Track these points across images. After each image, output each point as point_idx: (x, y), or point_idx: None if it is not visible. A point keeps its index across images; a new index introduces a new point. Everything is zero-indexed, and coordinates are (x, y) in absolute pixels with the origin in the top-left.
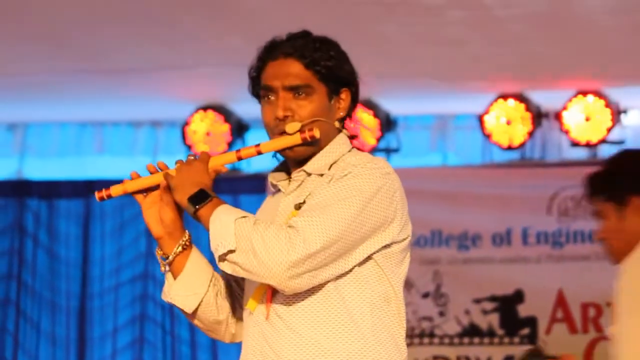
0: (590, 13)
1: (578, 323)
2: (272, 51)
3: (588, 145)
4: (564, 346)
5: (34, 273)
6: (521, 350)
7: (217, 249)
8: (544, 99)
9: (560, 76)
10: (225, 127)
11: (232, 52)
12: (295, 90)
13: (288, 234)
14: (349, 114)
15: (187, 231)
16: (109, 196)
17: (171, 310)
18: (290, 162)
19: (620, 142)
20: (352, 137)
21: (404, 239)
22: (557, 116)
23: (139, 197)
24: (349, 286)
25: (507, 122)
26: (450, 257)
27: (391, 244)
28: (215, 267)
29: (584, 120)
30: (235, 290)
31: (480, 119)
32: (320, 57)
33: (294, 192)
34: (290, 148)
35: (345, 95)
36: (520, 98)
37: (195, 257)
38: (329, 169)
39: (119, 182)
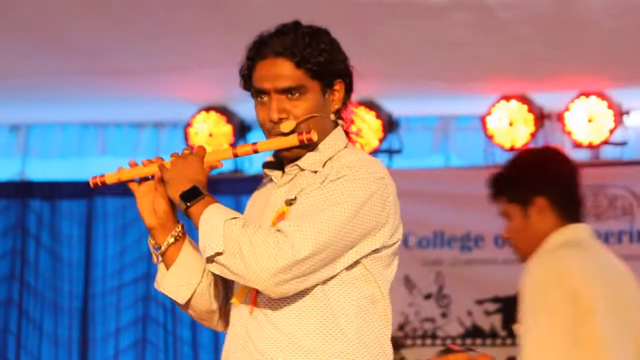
0: (593, 14)
1: None
2: (261, 50)
3: (590, 146)
4: None
5: (36, 274)
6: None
7: (205, 250)
8: (547, 100)
9: (562, 77)
10: (228, 128)
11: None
12: (287, 91)
13: (276, 239)
14: (344, 104)
15: (180, 222)
16: (103, 183)
17: (173, 311)
18: (287, 158)
19: (623, 144)
20: (348, 129)
21: (395, 243)
22: (560, 117)
23: (133, 186)
24: (335, 287)
25: (510, 124)
26: (452, 258)
27: (381, 248)
28: None
29: (586, 122)
30: (229, 280)
31: (482, 120)
32: (310, 53)
33: (286, 185)
34: (287, 149)
35: (339, 87)
36: (523, 99)
37: (188, 247)
38: (323, 166)
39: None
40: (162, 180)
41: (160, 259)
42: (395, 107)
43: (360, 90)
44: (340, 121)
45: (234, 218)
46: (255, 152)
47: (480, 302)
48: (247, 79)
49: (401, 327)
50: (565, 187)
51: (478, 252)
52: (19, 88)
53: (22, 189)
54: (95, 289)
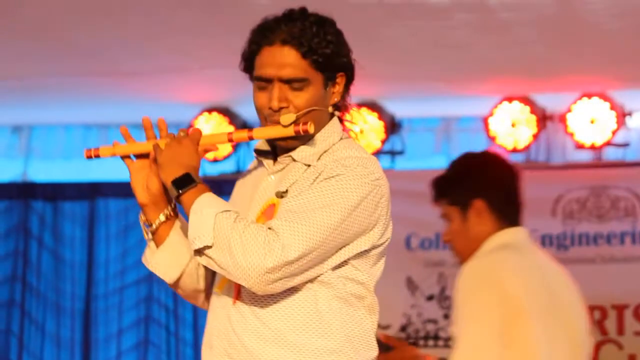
0: (595, 15)
1: None
2: (269, 35)
3: (593, 147)
4: None
5: (38, 275)
6: None
7: (194, 241)
8: (549, 101)
9: (565, 78)
10: (230, 129)
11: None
12: (291, 81)
13: (267, 238)
14: (343, 97)
15: (173, 201)
16: (97, 156)
17: (175, 312)
18: (281, 147)
19: (625, 145)
20: (343, 116)
21: (384, 242)
22: (562, 119)
23: (128, 161)
24: (322, 284)
25: (512, 125)
26: (455, 259)
27: (370, 248)
28: None
29: (589, 123)
30: None
31: (484, 121)
32: (318, 44)
33: (278, 173)
34: (282, 139)
35: (340, 80)
36: (525, 100)
37: (180, 227)
38: (318, 159)
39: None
40: (156, 160)
41: (150, 236)
42: (398, 109)
43: (363, 92)
44: (336, 112)
45: (226, 211)
46: (250, 139)
47: None
48: (249, 62)
49: (403, 329)
50: (503, 191)
51: None
52: (21, 89)
53: (25, 190)
54: (97, 290)
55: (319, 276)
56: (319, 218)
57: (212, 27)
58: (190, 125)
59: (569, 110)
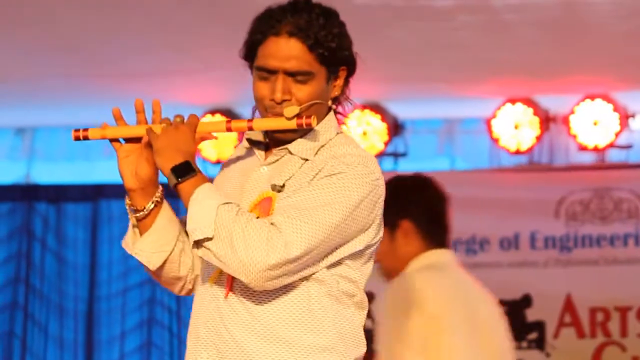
0: (598, 17)
1: (586, 328)
2: (275, 25)
3: (596, 149)
4: (572, 351)
5: (42, 277)
6: (529, 354)
7: (194, 232)
8: (552, 103)
9: (568, 80)
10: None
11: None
12: (295, 74)
13: (270, 234)
14: (343, 91)
15: (160, 186)
16: (86, 138)
17: (178, 313)
18: (277, 138)
19: (629, 147)
20: (337, 108)
21: (377, 242)
22: (565, 120)
23: (116, 145)
24: (316, 281)
25: (515, 127)
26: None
27: (365, 247)
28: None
29: (592, 125)
30: None
31: (487, 123)
32: (324, 37)
33: (271, 165)
34: (282, 131)
35: (342, 74)
36: (529, 102)
37: (165, 213)
38: (315, 154)
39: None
40: (149, 145)
41: (135, 221)
42: (401, 110)
43: (366, 93)
44: (332, 105)
45: (227, 203)
46: (250, 129)
47: None
48: (251, 50)
49: None
50: (431, 213)
51: (483, 256)
52: (24, 91)
53: (28, 192)
54: (100, 291)
55: (313, 274)
56: (321, 216)
57: (216, 28)
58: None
59: (572, 112)
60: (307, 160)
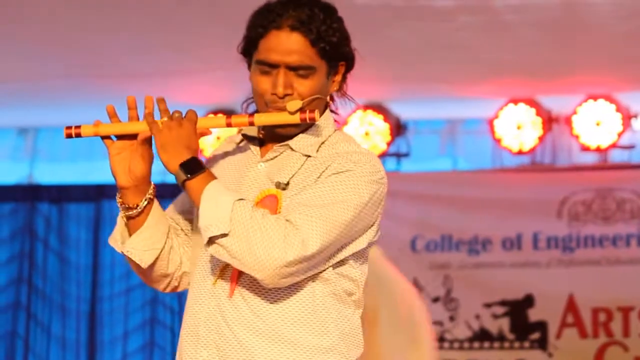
0: (601, 18)
1: (588, 328)
2: (277, 19)
3: (599, 150)
4: (574, 351)
5: (44, 277)
6: (532, 354)
7: (209, 228)
8: (555, 103)
9: (570, 80)
10: (235, 130)
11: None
12: (297, 69)
13: (286, 231)
14: (341, 86)
15: (152, 183)
16: (78, 135)
17: (181, 314)
18: (275, 134)
19: (631, 147)
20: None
21: (376, 241)
22: (568, 121)
23: (108, 142)
24: (321, 281)
25: (518, 127)
26: (460, 261)
27: (367, 246)
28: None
29: (594, 125)
30: (185, 243)
31: (490, 123)
32: (325, 32)
33: (269, 162)
34: (283, 126)
35: (341, 69)
36: (531, 102)
37: (156, 210)
38: (317, 150)
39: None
40: (146, 141)
41: (125, 219)
42: (403, 111)
43: (369, 94)
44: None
45: (241, 199)
46: (251, 124)
47: (488, 305)
48: (251, 44)
49: None
50: None
51: (486, 256)
52: (27, 91)
53: (30, 193)
54: (103, 292)
55: (319, 272)
56: (334, 213)
57: (216, 28)
58: None
59: (575, 113)
60: (309, 156)
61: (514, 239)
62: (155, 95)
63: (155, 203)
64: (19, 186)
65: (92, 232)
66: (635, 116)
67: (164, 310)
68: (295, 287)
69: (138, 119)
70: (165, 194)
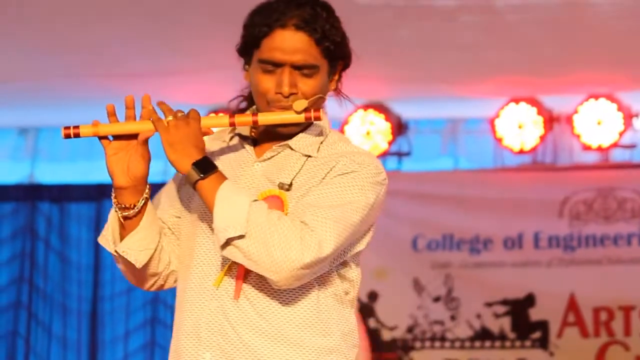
0: (602, 17)
1: (590, 327)
2: (281, 18)
3: (600, 149)
4: (576, 350)
5: (45, 276)
6: (533, 353)
7: (226, 231)
8: (556, 102)
9: (572, 80)
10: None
11: None
12: (302, 68)
13: (303, 233)
14: (337, 85)
15: (148, 183)
16: (77, 135)
17: None
18: (271, 133)
19: (632, 146)
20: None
21: (369, 241)
22: (569, 120)
23: (104, 141)
24: (325, 282)
25: (519, 126)
26: (461, 261)
27: (365, 247)
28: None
29: (595, 124)
30: (173, 241)
31: (491, 123)
32: (329, 31)
33: (267, 161)
34: (287, 125)
35: (339, 68)
36: (532, 102)
37: (151, 211)
38: (317, 150)
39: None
40: (145, 141)
41: (121, 219)
42: (405, 110)
43: (370, 93)
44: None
45: (256, 200)
46: (255, 123)
47: (489, 304)
48: (254, 43)
49: (410, 330)
50: None
51: (487, 255)
52: (28, 91)
53: (32, 192)
54: (104, 291)
55: (323, 274)
56: (346, 215)
57: (219, 27)
58: None
59: (576, 112)
60: (309, 156)
61: (515, 238)
62: (156, 94)
63: (149, 203)
64: (20, 186)
65: (93, 231)
66: (637, 115)
67: (165, 309)
68: (299, 289)
69: (135, 119)
70: None
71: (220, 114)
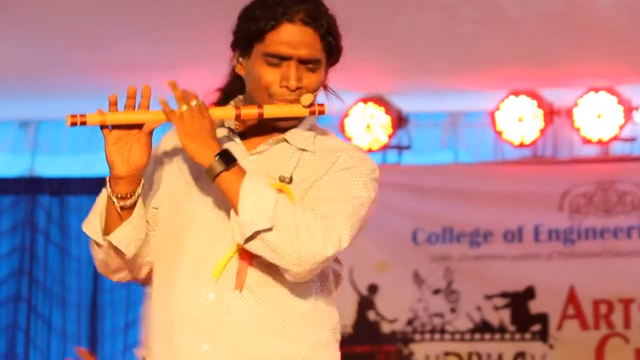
0: (603, 10)
1: (589, 319)
2: (288, 12)
3: (600, 142)
4: (575, 342)
5: (45, 269)
6: (532, 346)
7: (254, 223)
8: (556, 96)
9: (572, 73)
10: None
11: None
12: (307, 62)
13: (325, 227)
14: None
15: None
16: (83, 124)
17: None
18: (261, 127)
19: (632, 139)
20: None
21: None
22: (569, 113)
23: (105, 130)
24: (321, 274)
25: (519, 119)
26: (461, 253)
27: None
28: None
29: (595, 117)
30: (151, 233)
31: (491, 116)
32: (331, 25)
33: (260, 154)
34: (288, 118)
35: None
36: (532, 95)
37: (140, 201)
38: (312, 144)
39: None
40: (151, 133)
41: (119, 209)
42: (405, 103)
43: (370, 86)
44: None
45: (280, 192)
46: (260, 116)
47: (489, 297)
48: (256, 36)
49: (410, 322)
50: None
51: (487, 248)
52: (28, 84)
53: (32, 185)
54: (103, 284)
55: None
56: (356, 210)
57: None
58: None
59: (576, 105)
60: (305, 150)
61: (515, 231)
62: (158, 87)
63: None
64: (20, 179)
65: None
66: (637, 108)
67: None
68: (301, 283)
69: (134, 108)
70: None
71: (228, 105)
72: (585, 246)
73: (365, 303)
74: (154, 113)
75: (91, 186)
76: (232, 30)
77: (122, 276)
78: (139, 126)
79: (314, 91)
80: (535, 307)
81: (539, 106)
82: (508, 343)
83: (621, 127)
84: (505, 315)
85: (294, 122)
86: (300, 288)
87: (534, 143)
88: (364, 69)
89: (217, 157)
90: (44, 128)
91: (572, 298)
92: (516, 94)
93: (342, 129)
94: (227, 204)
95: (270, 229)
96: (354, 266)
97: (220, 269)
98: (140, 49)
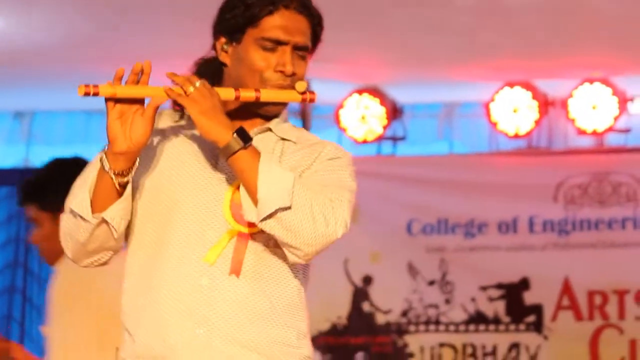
0: (598, 1)
1: (584, 310)
2: None
3: (595, 133)
4: (570, 333)
5: (40, 260)
6: (527, 337)
7: (272, 201)
8: (551, 87)
9: (567, 64)
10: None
11: None
12: (300, 49)
13: (334, 209)
14: None
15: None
16: (96, 94)
17: None
18: (244, 112)
19: (627, 131)
20: None
21: None
22: (564, 104)
23: (110, 104)
24: (306, 264)
25: (514, 110)
26: (456, 244)
27: None
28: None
29: (590, 109)
30: (125, 220)
31: (486, 107)
32: (319, 17)
33: None
34: (276, 104)
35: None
36: (527, 86)
37: (130, 180)
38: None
39: None
40: (156, 108)
41: (116, 185)
42: (400, 94)
43: (365, 77)
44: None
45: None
46: (257, 99)
47: (484, 288)
48: (250, 21)
49: (404, 314)
50: None
51: (482, 239)
52: (23, 74)
53: (26, 176)
54: None
55: None
56: (351, 197)
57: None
58: None
59: (571, 96)
60: (287, 140)
61: (510, 222)
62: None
63: None
64: (15, 169)
65: None
66: (632, 100)
67: None
68: (290, 270)
69: (136, 84)
70: None
71: (228, 88)
72: (580, 237)
73: (360, 294)
74: (163, 89)
75: None
76: (215, 19)
77: (93, 259)
78: (140, 102)
79: (302, 78)
80: (529, 298)
81: (534, 97)
82: (503, 334)
83: (616, 118)
84: (499, 307)
85: (280, 108)
86: (289, 275)
87: (528, 134)
88: (358, 60)
89: (235, 134)
90: (38, 119)
91: (566, 289)
92: (511, 85)
93: (337, 120)
94: (217, 188)
95: (288, 207)
96: (349, 257)
97: (216, 255)
98: (139, 40)
